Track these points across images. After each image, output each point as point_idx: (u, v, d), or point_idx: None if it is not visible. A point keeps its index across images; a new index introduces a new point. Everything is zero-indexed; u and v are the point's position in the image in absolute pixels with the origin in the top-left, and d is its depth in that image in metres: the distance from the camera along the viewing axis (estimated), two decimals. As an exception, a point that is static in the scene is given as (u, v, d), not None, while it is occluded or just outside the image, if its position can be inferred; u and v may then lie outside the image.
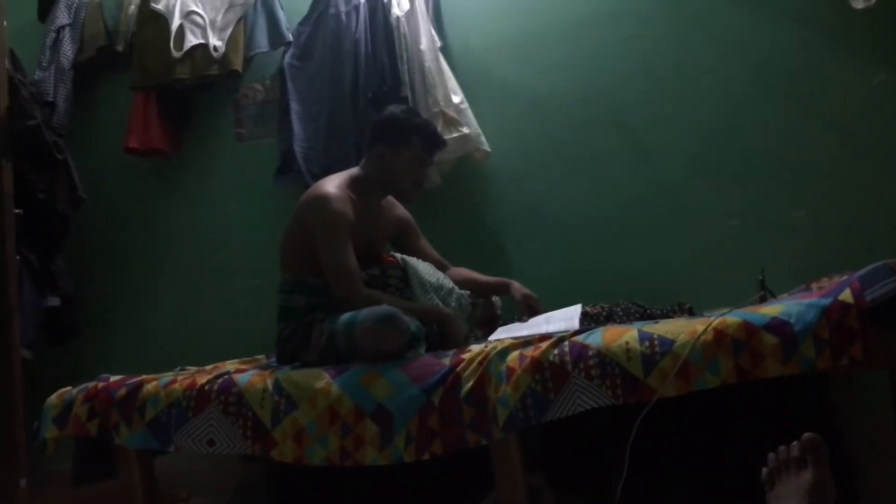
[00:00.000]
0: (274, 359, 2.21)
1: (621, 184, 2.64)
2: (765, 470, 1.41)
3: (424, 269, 2.18)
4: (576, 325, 1.91)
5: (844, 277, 1.71)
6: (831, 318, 1.53)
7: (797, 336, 1.54)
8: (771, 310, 1.62)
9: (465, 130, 2.57)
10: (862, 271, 1.61)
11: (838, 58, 2.43)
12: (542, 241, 2.70)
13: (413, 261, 2.19)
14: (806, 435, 1.38)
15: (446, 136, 2.43)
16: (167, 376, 2.07)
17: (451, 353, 1.85)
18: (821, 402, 1.97)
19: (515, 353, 1.73)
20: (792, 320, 1.56)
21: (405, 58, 2.59)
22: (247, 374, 1.96)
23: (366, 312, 1.89)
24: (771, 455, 1.41)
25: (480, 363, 1.75)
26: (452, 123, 2.56)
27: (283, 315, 2.11)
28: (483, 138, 2.61)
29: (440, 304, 2.13)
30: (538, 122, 2.73)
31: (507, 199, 2.75)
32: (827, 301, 1.56)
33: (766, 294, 2.13)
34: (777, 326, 1.57)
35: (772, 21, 2.51)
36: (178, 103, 2.93)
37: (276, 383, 1.89)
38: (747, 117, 2.54)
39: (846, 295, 1.55)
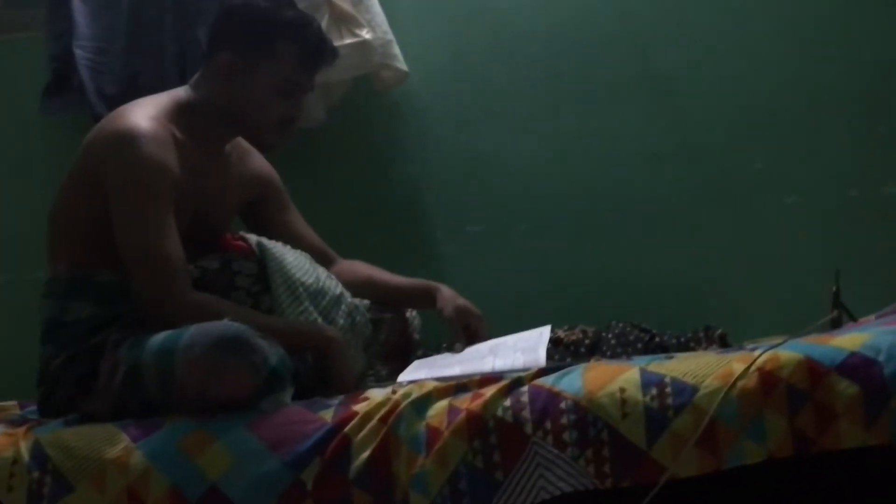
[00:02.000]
0: (33, 406, 2.16)
1: (617, 136, 2.72)
2: None
3: (296, 261, 2.13)
4: (541, 359, 1.90)
5: None
6: None
7: (888, 383, 1.54)
8: (849, 341, 1.63)
9: (366, 34, 2.55)
10: None
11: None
12: (491, 221, 2.74)
13: (277, 248, 2.14)
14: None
15: (336, 43, 2.39)
16: None
17: (336, 401, 1.81)
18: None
19: (442, 405, 1.70)
20: (881, 358, 1.56)
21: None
22: (-18, 434, 1.95)
23: (194, 332, 1.82)
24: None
25: (384, 420, 1.72)
26: (346, 22, 2.55)
27: (50, 335, 2.05)
28: (397, 49, 2.61)
29: (320, 319, 2.08)
30: (492, 33, 2.77)
31: (435, 154, 2.77)
32: None
33: (841, 315, 2.15)
34: (858, 368, 1.57)
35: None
36: None
37: (37, 450, 1.81)
38: (821, 43, 2.66)
39: None
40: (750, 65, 2.80)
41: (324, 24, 2.44)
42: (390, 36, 2.63)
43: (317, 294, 2.12)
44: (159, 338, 1.88)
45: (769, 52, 2.80)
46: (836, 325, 2.11)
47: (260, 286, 2.07)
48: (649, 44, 2.85)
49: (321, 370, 2.01)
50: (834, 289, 2.14)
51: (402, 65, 2.65)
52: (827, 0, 2.77)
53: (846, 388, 1.57)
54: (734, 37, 2.81)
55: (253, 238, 2.17)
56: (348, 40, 2.54)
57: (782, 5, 2.80)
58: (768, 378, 1.60)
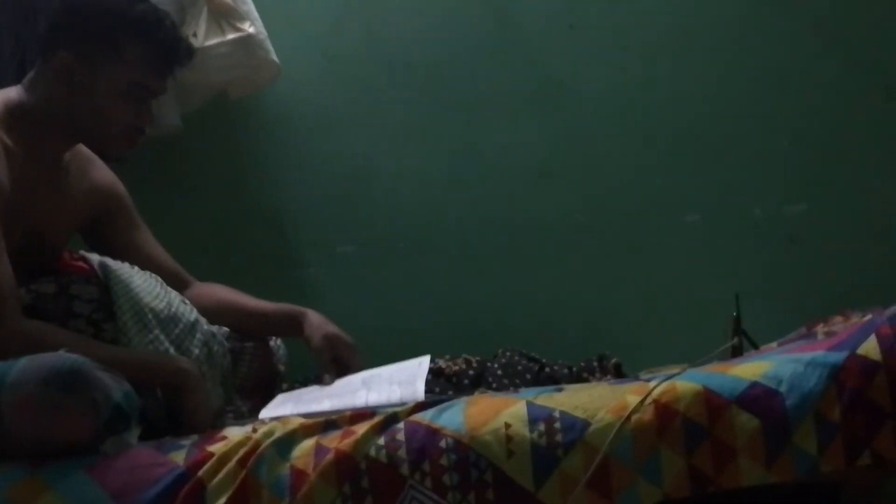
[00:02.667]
0: None
1: (509, 153, 2.77)
2: None
3: (144, 285, 2.10)
4: (419, 392, 1.91)
5: (868, 317, 1.81)
6: (845, 386, 1.59)
7: (789, 416, 1.59)
8: (749, 370, 1.67)
9: (249, 28, 2.53)
10: (895, 308, 1.72)
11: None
12: (366, 241, 2.76)
13: (123, 270, 2.10)
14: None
15: (218, 39, 2.42)
16: None
17: (189, 441, 1.79)
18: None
19: (309, 444, 1.69)
20: (782, 389, 1.61)
21: None
22: None
23: (24, 367, 1.75)
24: None
25: (243, 462, 1.70)
26: (227, 15, 2.53)
27: None
28: (271, 46, 2.61)
29: (172, 350, 2.05)
30: (368, 33, 2.79)
31: (304, 165, 2.78)
32: (839, 357, 1.63)
33: (742, 342, 2.20)
34: (759, 399, 1.62)
35: None
36: None
37: None
38: (723, 51, 2.75)
39: (870, 347, 1.62)
40: (647, 75, 2.85)
41: (202, 18, 2.44)
42: (265, 31, 2.63)
43: (168, 321, 2.09)
44: None
45: (667, 63, 2.85)
46: (736, 352, 2.15)
47: (102, 313, 2.03)
48: (540, 50, 2.87)
49: (173, 407, 1.97)
50: (734, 314, 2.18)
51: (274, 57, 2.63)
52: (727, 8, 2.84)
53: (746, 421, 1.60)
54: (630, 45, 2.86)
55: (95, 258, 2.12)
56: (231, 35, 2.52)
57: (680, 13, 2.85)
58: (665, 411, 1.62)
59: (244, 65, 2.59)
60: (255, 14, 2.63)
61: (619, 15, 2.87)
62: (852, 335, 1.70)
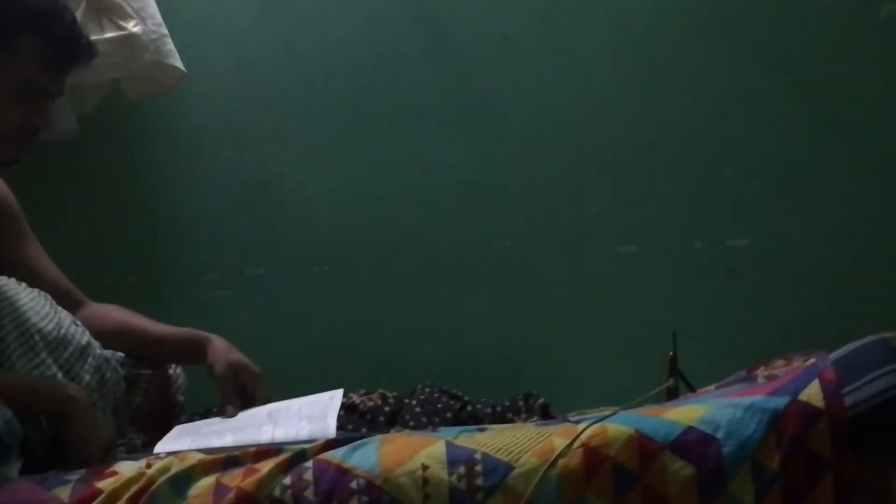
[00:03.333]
0: None
1: (433, 172, 2.81)
2: None
3: (32, 303, 2.08)
4: (330, 428, 1.92)
5: (811, 361, 1.85)
6: (785, 434, 1.63)
7: (725, 464, 1.62)
8: (685, 413, 1.70)
9: (134, 27, 2.53)
10: (840, 351, 1.74)
11: None
12: (276, 263, 2.78)
13: (9, 286, 2.07)
14: None
15: (96, 36, 2.38)
16: None
17: (76, 476, 1.77)
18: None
19: (208, 482, 1.69)
20: (719, 435, 1.64)
21: None
22: None
23: None
24: None
25: (134, 500, 1.69)
26: (108, 12, 2.53)
27: None
28: (172, 46, 2.61)
29: (60, 375, 2.03)
30: (285, 37, 2.81)
31: (210, 178, 2.80)
32: (780, 402, 1.66)
33: (677, 383, 2.24)
34: (694, 445, 1.64)
35: None
36: None
37: None
38: (652, 88, 2.80)
39: (812, 393, 1.66)
40: (584, 94, 2.87)
41: (80, 13, 2.40)
42: (164, 30, 2.62)
43: (57, 344, 2.06)
44: None
45: (605, 83, 2.87)
46: (671, 394, 2.18)
47: None
48: (469, 62, 2.90)
49: (59, 437, 1.95)
50: (671, 353, 2.22)
51: (178, 63, 2.63)
52: (670, 32, 2.88)
53: (680, 468, 1.62)
54: (567, 61, 2.88)
55: None
56: (111, 34, 2.50)
57: (623, 31, 2.88)
58: (594, 456, 1.63)
59: (127, 66, 2.58)
60: (152, 11, 2.62)
61: (555, 27, 2.89)
62: (794, 380, 1.73)
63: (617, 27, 2.88)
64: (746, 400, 1.69)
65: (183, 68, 2.66)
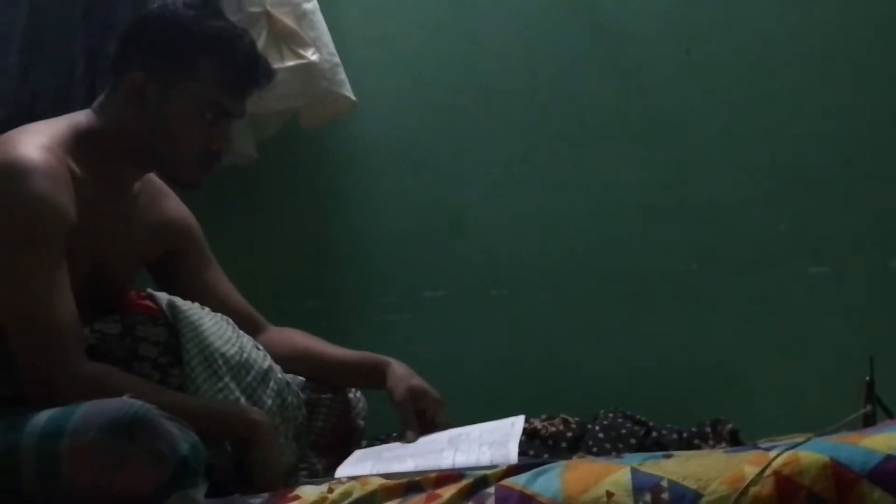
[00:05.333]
0: None
1: (614, 191, 2.78)
2: None
3: (215, 328, 2.13)
4: (512, 454, 1.91)
5: None
6: None
7: None
8: (884, 441, 1.65)
9: (312, 56, 2.58)
10: None
11: None
12: (455, 286, 2.78)
13: (193, 311, 2.14)
14: None
15: (277, 65, 2.44)
16: None
17: (259, 500, 1.81)
18: None
19: None
20: None
21: None
22: None
23: (86, 413, 1.79)
24: None
25: None
26: (288, 40, 2.59)
27: None
28: (344, 76, 2.65)
29: (243, 399, 2.08)
30: (463, 51, 2.81)
31: (391, 200, 2.81)
32: None
33: (875, 409, 2.16)
34: (893, 474, 1.59)
35: None
36: None
37: None
38: (843, 98, 2.72)
39: None
40: (771, 108, 2.82)
41: (261, 41, 2.49)
42: (337, 59, 2.67)
43: (240, 368, 2.11)
44: (43, 417, 1.84)
45: (793, 95, 2.82)
46: (869, 421, 2.11)
47: (169, 357, 2.05)
48: (652, 77, 2.88)
49: (242, 461, 1.99)
50: (867, 378, 2.15)
51: (349, 93, 2.68)
52: (859, 38, 2.81)
53: (879, 498, 1.58)
54: (753, 75, 2.84)
55: (163, 297, 2.16)
56: (291, 62, 2.57)
57: (806, 43, 2.82)
58: (786, 484, 1.60)
59: (305, 94, 2.63)
60: (326, 40, 2.68)
61: (740, 39, 2.85)
62: None
63: (802, 37, 2.82)
64: (952, 426, 1.69)
65: (353, 97, 2.71)
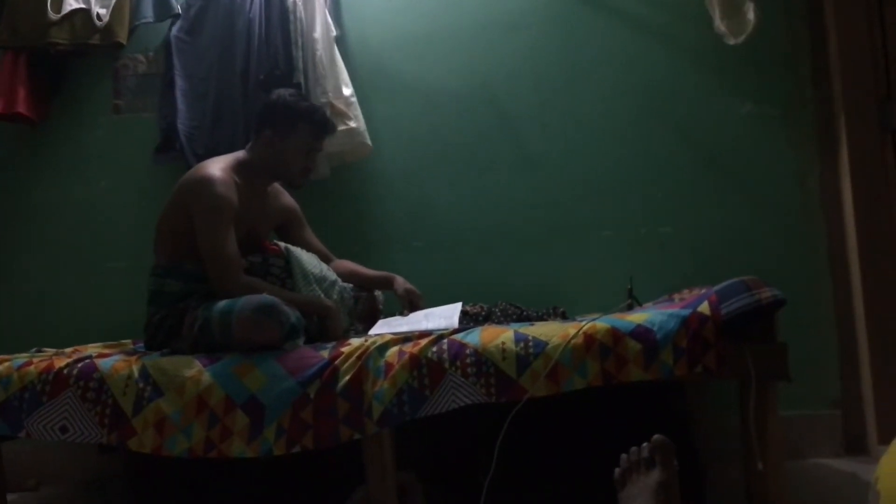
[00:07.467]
0: (141, 344, 2.48)
1: (506, 190, 3.17)
2: (617, 470, 1.75)
3: (308, 259, 2.51)
4: (455, 323, 2.30)
5: (704, 291, 2.19)
6: (690, 328, 2.01)
7: (658, 343, 1.98)
8: (636, 317, 2.02)
9: (353, 124, 2.92)
10: (719, 286, 2.07)
11: (712, 86, 3.13)
12: (428, 239, 3.23)
13: (297, 251, 2.51)
14: (654, 437, 1.72)
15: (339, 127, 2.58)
16: (21, 357, 2.24)
17: (330, 346, 2.16)
18: (676, 408, 2.53)
19: (395, 349, 2.10)
20: (655, 328, 2.01)
21: (300, 43, 3.00)
22: (110, 360, 2.14)
23: (244, 301, 2.17)
24: (623, 456, 1.75)
25: (359, 357, 2.09)
26: (340, 115, 2.92)
27: (154, 299, 2.35)
28: (367, 133, 2.96)
29: (322, 295, 2.46)
30: (429, 123, 3.17)
31: (394, 197, 3.21)
32: (686, 312, 2.03)
33: (633, 302, 2.65)
34: (641, 334, 2.00)
35: (655, 47, 3.17)
36: (51, 67, 3.17)
37: (143, 370, 2.11)
38: (627, 136, 3.14)
39: (704, 307, 2.02)
40: (582, 141, 3.34)
41: (328, 114, 2.78)
42: (364, 125, 3.09)
43: (321, 280, 2.56)
44: (222, 304, 2.21)
45: (595, 137, 3.33)
46: (629, 308, 2.60)
47: (286, 274, 2.52)
48: (519, 125, 3.36)
49: (322, 326, 2.39)
50: (629, 287, 2.70)
51: (368, 141, 3.03)
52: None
53: (634, 345, 2.03)
54: (577, 118, 3.34)
55: (282, 244, 2.56)
56: (342, 127, 2.93)
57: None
58: (589, 338, 2.03)
59: (349, 144, 3.02)
60: (357, 113, 3.05)
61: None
62: (694, 300, 2.12)
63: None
64: (669, 311, 2.09)
65: (370, 144, 3.07)
